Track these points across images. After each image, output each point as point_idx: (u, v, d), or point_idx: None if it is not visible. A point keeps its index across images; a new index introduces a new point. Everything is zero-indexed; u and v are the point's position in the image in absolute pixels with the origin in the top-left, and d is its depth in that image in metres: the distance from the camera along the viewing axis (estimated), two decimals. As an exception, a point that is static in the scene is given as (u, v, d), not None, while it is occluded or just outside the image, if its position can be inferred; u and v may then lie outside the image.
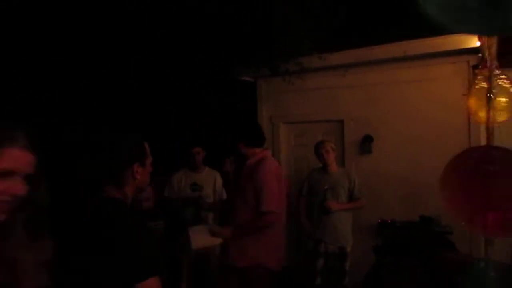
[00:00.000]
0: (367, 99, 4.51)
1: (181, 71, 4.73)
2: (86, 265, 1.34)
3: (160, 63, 4.63)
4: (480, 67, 1.72)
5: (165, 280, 1.36)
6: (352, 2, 4.26)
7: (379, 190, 4.30)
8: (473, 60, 3.87)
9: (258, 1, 4.05)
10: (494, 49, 1.55)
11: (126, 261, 1.32)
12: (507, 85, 1.66)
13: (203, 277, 3.98)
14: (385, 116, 4.42)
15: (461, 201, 1.51)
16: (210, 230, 3.06)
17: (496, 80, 1.59)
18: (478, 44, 2.46)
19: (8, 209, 1.06)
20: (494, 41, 1.54)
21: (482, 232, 1.55)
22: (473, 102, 1.69)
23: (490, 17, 1.15)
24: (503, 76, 1.66)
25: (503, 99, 1.65)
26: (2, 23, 3.68)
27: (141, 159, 1.57)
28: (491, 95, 1.54)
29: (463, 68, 4.01)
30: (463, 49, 3.78)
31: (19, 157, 1.07)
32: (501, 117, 1.65)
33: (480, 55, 1.73)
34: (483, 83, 1.62)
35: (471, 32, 1.85)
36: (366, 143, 4.50)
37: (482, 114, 1.61)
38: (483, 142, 2.55)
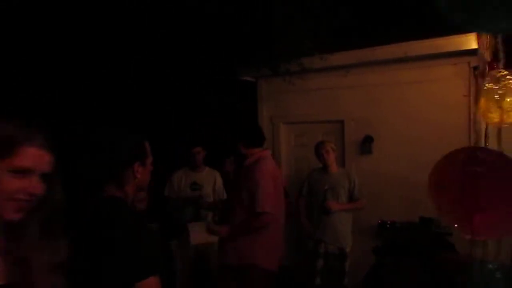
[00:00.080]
0: (368, 99, 4.51)
1: (181, 71, 4.73)
2: (86, 265, 1.33)
3: (160, 63, 4.63)
4: (479, 68, 1.71)
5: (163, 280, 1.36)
6: (353, 3, 4.26)
7: (379, 191, 4.29)
8: (474, 61, 3.86)
9: (258, 1, 4.05)
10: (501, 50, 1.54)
11: (126, 260, 1.32)
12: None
13: (203, 277, 3.98)
14: (385, 116, 4.42)
15: (449, 202, 1.50)
16: (207, 228, 3.06)
17: (504, 81, 1.58)
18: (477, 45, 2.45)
19: (25, 208, 1.05)
20: (497, 41, 1.53)
21: (470, 233, 1.54)
22: (483, 103, 1.67)
23: (506, 17, 1.14)
24: (510, 77, 1.64)
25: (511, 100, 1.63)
26: (2, 23, 3.68)
27: (142, 159, 1.57)
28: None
29: (464, 69, 4.00)
30: (464, 50, 3.76)
31: (37, 156, 1.07)
32: (510, 118, 1.64)
33: (480, 56, 1.72)
34: (491, 84, 1.60)
35: (488, 30, 1.82)
36: (366, 144, 4.49)
37: (492, 114, 1.60)
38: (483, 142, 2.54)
